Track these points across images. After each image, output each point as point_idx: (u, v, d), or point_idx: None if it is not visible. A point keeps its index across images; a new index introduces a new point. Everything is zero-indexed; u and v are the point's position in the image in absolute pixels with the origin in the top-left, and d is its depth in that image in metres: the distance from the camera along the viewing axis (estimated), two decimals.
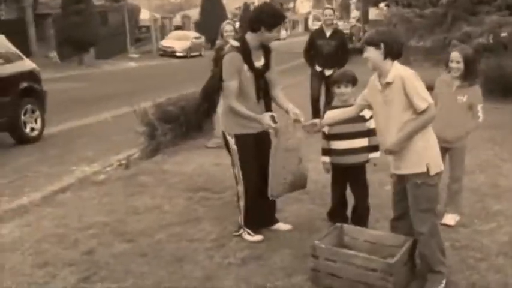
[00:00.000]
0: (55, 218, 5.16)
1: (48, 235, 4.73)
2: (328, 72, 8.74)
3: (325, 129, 4.55)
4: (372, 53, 3.64)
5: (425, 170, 3.57)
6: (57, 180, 6.45)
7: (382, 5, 34.00)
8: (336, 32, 9.09)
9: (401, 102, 3.54)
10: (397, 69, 3.58)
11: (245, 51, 4.23)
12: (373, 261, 3.60)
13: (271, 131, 4.32)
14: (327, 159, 4.62)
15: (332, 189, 4.82)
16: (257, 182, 4.46)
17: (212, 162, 6.99)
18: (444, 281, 3.68)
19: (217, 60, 7.69)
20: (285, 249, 4.35)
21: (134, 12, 36.84)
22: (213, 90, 7.53)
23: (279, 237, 4.58)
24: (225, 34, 7.71)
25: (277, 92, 4.49)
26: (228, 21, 8.16)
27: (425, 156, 3.59)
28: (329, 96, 8.61)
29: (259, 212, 4.61)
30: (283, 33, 58.67)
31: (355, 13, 68.39)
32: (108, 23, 32.10)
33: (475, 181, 5.92)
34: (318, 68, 8.94)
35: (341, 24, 56.90)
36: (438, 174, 3.65)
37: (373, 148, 4.55)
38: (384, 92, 3.63)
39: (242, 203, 4.53)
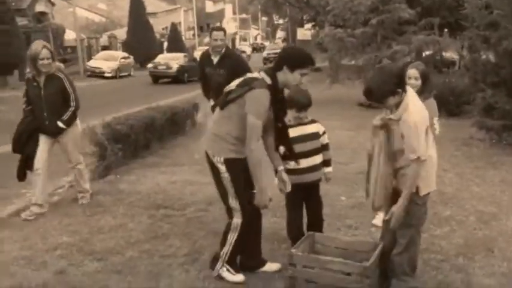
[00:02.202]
0: (17, 240, 5.03)
1: (14, 258, 4.62)
2: None
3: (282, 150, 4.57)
4: (392, 101, 3.61)
5: (414, 190, 3.71)
6: (9, 203, 6.26)
7: (308, 25, 35.29)
8: (227, 57, 6.68)
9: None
10: (407, 106, 3.59)
11: (276, 93, 3.87)
12: (349, 265, 3.80)
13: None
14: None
15: (292, 211, 4.65)
16: (252, 213, 4.09)
17: (167, 181, 7.02)
18: None
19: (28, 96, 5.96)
20: None
21: (59, 32, 35.92)
22: (29, 135, 6.05)
23: None
24: (40, 62, 5.60)
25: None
26: (43, 43, 5.76)
27: (419, 178, 3.70)
28: None
29: (247, 251, 4.27)
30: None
31: (280, 33, 69.97)
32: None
33: None
34: (211, 102, 6.73)
35: (267, 45, 58.05)
36: (428, 194, 3.83)
37: (327, 162, 4.66)
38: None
39: (233, 236, 4.06)
